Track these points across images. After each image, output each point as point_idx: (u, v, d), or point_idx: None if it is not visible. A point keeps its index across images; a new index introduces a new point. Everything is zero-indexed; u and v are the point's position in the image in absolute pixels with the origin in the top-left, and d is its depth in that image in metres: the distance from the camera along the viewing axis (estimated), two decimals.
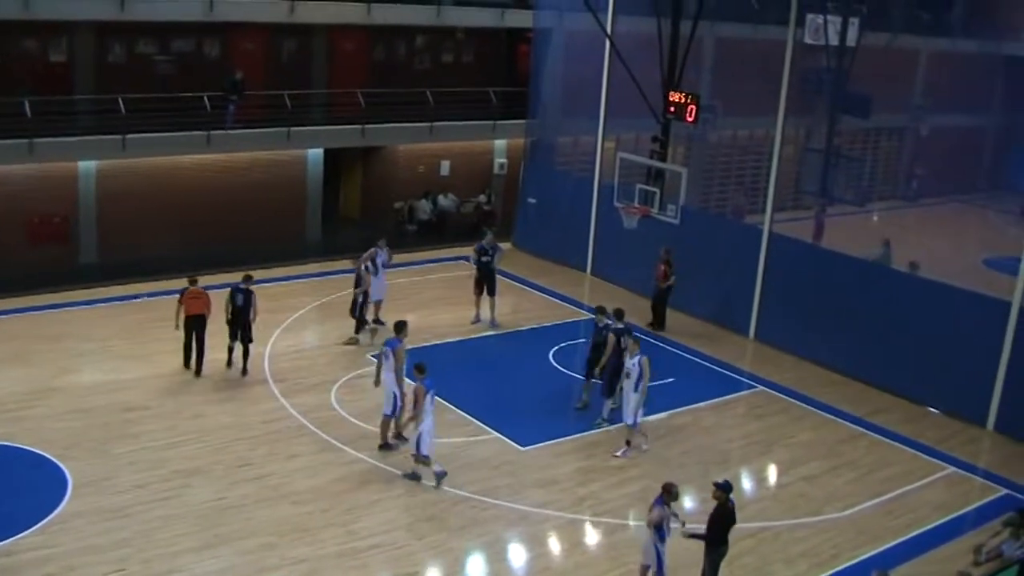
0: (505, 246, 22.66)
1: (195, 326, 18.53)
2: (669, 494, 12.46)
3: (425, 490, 15.11)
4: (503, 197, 31.68)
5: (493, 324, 22.08)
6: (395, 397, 15.90)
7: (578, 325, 23.07)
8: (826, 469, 16.77)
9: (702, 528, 12.67)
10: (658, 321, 22.27)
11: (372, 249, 20.78)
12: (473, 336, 21.67)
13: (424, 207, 30.31)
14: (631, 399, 16.33)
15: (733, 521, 12.66)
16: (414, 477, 15.21)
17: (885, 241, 24.17)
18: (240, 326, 18.48)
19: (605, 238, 26.06)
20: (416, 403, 14.77)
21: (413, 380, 15.30)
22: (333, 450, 16.14)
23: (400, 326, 16.21)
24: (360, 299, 20.30)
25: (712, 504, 12.70)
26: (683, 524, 12.84)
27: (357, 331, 20.51)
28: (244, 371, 18.66)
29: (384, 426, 16.14)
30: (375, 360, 19.48)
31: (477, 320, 22.03)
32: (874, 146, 34.64)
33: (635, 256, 24.56)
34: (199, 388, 18.13)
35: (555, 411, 18.27)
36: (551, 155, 28.72)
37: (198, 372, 18.56)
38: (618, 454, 16.43)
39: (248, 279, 18.65)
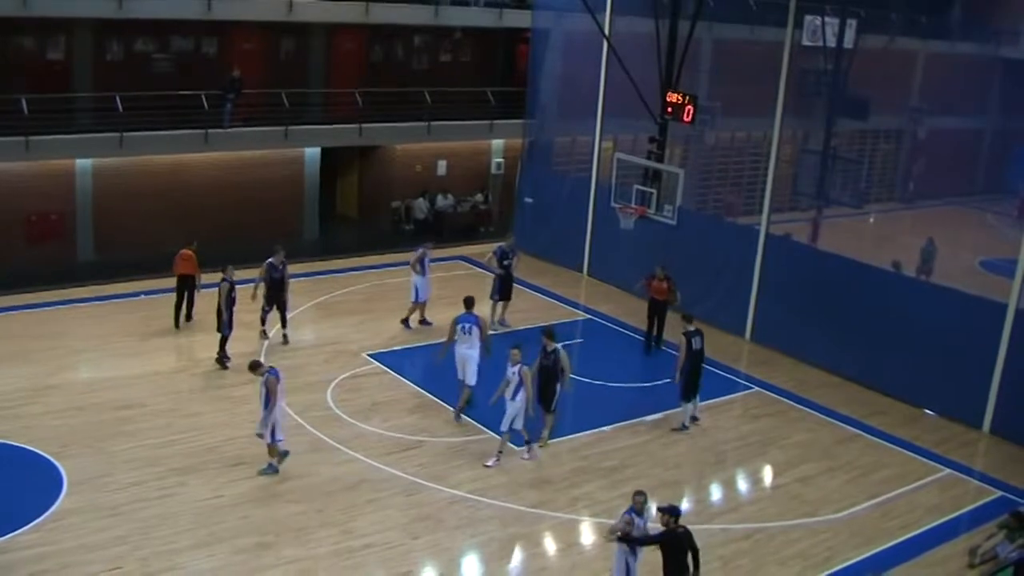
0: (496, 247, 22.58)
1: (185, 286, 20.40)
2: (637, 503, 11.93)
3: (421, 490, 15.13)
4: (500, 197, 31.71)
5: (503, 323, 22.14)
6: (477, 368, 17.04)
7: (575, 325, 23.13)
8: (821, 471, 16.80)
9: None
10: (659, 337, 21.32)
11: (420, 250, 21.47)
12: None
13: (421, 206, 30.33)
14: (509, 408, 15.66)
15: (685, 547, 11.48)
16: (271, 470, 15.13)
17: (929, 239, 24.09)
18: (278, 300, 19.87)
19: (602, 239, 26.09)
20: (271, 394, 14.70)
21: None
22: (328, 449, 16.16)
23: (471, 301, 17.70)
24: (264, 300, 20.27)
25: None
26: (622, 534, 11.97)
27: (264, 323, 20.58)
28: (286, 339, 20.12)
29: (467, 399, 17.12)
30: (374, 362, 19.67)
31: (496, 325, 21.93)
32: (872, 148, 34.68)
33: (632, 257, 24.58)
34: (196, 386, 18.16)
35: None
36: (548, 155, 28.74)
37: (188, 317, 20.65)
38: (489, 464, 15.88)
39: (281, 252, 19.87)
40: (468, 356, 17.16)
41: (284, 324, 20.46)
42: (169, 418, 16.76)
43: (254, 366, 15.10)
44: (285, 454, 15.30)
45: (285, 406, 15.33)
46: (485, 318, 17.88)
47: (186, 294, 20.72)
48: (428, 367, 19.36)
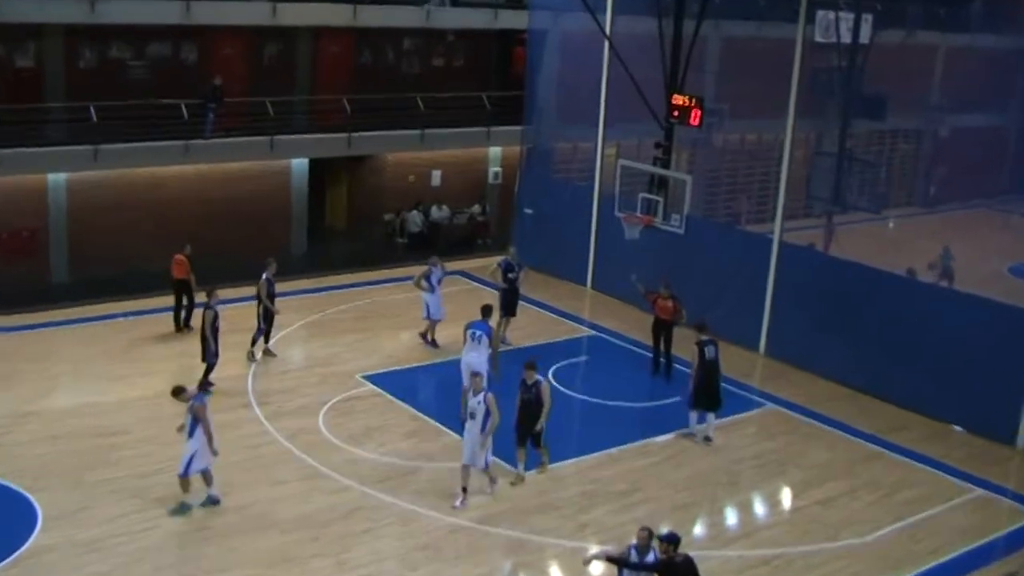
0: (500, 259, 22.65)
1: (179, 288, 21.49)
2: (641, 539, 11.72)
3: (418, 518, 15.09)
4: (498, 207, 31.72)
5: (503, 340, 22.04)
6: (488, 374, 16.82)
7: (580, 343, 23.13)
8: (843, 491, 16.75)
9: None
10: (667, 361, 20.93)
11: (427, 266, 21.47)
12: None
13: (415, 219, 30.39)
14: (477, 440, 15.21)
15: None
16: (212, 501, 15.00)
17: (945, 248, 24.04)
18: (268, 316, 20.30)
19: (606, 250, 26.09)
20: (200, 421, 14.62)
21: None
22: (321, 477, 16.13)
23: (489, 309, 18.28)
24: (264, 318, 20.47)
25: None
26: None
27: (255, 344, 20.71)
28: (272, 353, 20.69)
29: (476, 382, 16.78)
30: (368, 384, 19.71)
31: (508, 342, 21.89)
32: (890, 149, 34.72)
33: (638, 269, 24.51)
34: (181, 411, 18.08)
35: (555, 434, 18.14)
36: (548, 163, 28.75)
37: (187, 324, 21.57)
38: (456, 505, 15.30)
39: (273, 265, 20.34)
40: (475, 364, 17.35)
41: (267, 339, 20.67)
42: (152, 446, 16.75)
43: (177, 391, 14.95)
44: (215, 502, 14.96)
45: (214, 433, 14.92)
46: (495, 328, 18.07)
47: (184, 299, 21.68)
48: (425, 389, 19.38)
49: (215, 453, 14.95)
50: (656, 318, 20.66)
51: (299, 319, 23.18)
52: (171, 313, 22.03)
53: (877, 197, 28.31)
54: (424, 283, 21.43)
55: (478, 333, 17.71)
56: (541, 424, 15.93)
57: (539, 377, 15.86)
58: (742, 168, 31.82)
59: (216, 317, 18.72)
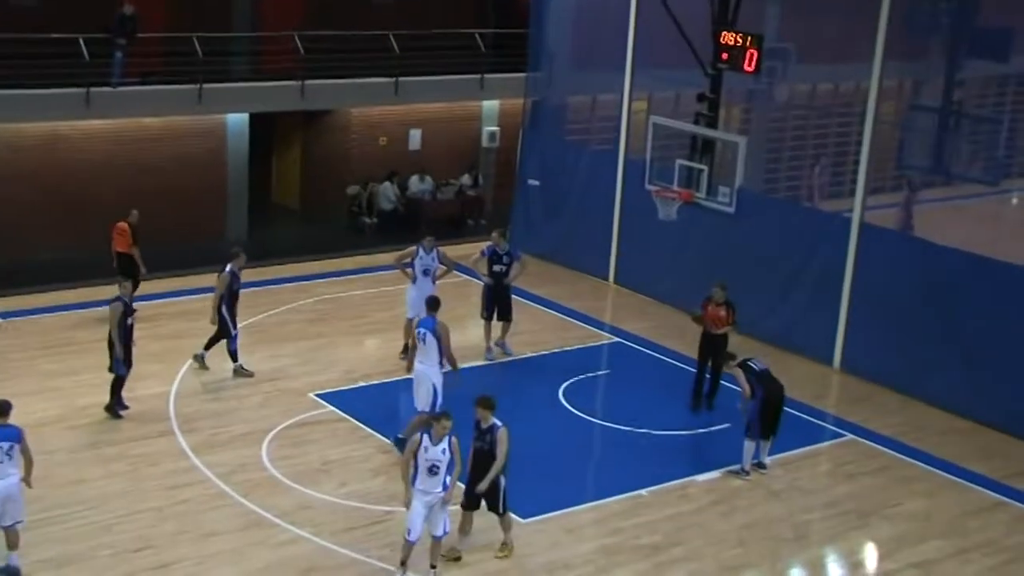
0: (484, 245, 22.47)
1: (121, 265, 22.19)
2: None
3: None
4: (495, 178, 31.71)
5: (504, 349, 22.20)
6: (434, 391, 17.44)
7: (599, 352, 23.09)
8: (949, 553, 16.59)
9: None
10: (713, 387, 20.59)
11: (413, 247, 21.49)
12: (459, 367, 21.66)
13: (388, 193, 30.34)
14: (437, 504, 14.62)
15: None
16: (8, 572, 14.52)
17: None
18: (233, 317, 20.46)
19: (633, 234, 26.09)
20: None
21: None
22: (265, 526, 16.02)
23: (434, 302, 18.25)
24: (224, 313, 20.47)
25: None
26: None
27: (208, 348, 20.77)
28: (203, 362, 20.86)
29: (414, 426, 17.01)
30: (325, 404, 19.59)
31: (491, 353, 22.06)
32: (1014, 101, 34.35)
33: (674, 258, 24.48)
34: (78, 443, 18.03)
35: (567, 469, 18.29)
36: (560, 121, 28.80)
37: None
38: None
39: (237, 257, 20.50)
40: (421, 374, 17.62)
41: (210, 346, 20.66)
42: (41, 488, 16.42)
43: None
44: (13, 572, 14.51)
45: (20, 475, 14.43)
46: (446, 325, 17.89)
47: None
48: (399, 412, 19.25)
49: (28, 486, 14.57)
50: (704, 330, 20.29)
51: (238, 321, 22.90)
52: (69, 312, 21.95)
53: (995, 165, 28.10)
54: (409, 270, 21.33)
55: (423, 332, 17.71)
56: (486, 483, 15.10)
57: (495, 421, 15.19)
58: (812, 128, 31.72)
59: (127, 313, 18.54)
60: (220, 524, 15.95)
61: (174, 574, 14.84)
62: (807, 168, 30.93)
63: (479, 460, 15.11)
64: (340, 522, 16.21)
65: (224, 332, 20.42)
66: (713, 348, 20.14)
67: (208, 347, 20.62)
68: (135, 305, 19.10)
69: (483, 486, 15.04)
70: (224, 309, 20.28)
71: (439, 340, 17.63)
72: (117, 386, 18.81)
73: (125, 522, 15.86)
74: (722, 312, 19.93)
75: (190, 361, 20.72)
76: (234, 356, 20.59)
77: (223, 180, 28.45)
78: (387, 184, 30.30)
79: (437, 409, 17.02)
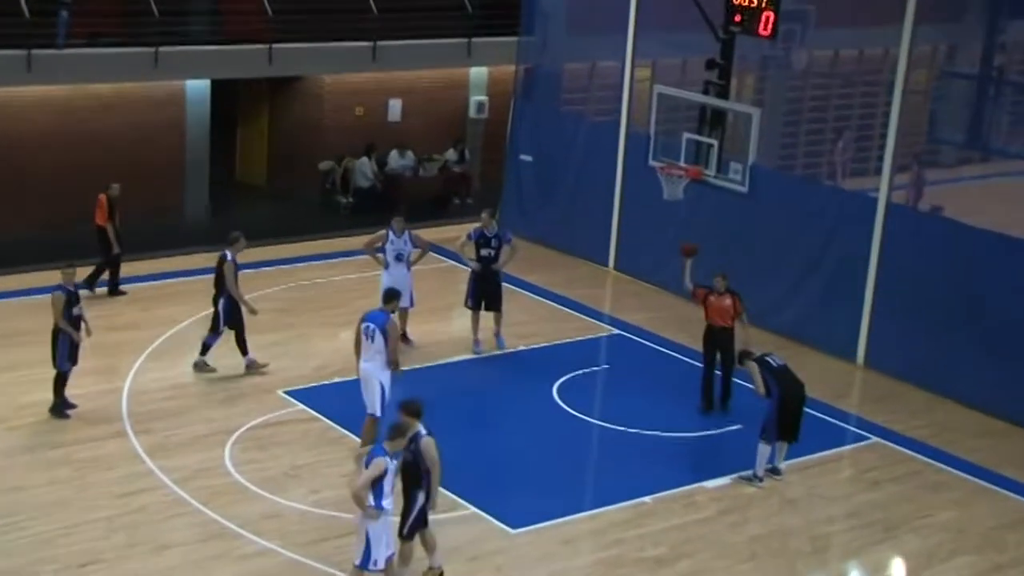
0: (472, 228, 22.42)
1: (100, 240, 23.24)
2: None
3: None
4: (483, 153, 31.74)
5: (499, 342, 22.24)
6: (382, 391, 17.41)
7: (597, 345, 23.16)
8: (984, 569, 16.59)
9: None
10: (725, 390, 20.57)
11: (383, 230, 21.57)
12: (442, 362, 21.72)
13: (365, 169, 30.39)
14: (377, 523, 14.18)
15: None
16: None
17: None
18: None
19: (636, 215, 26.13)
20: None
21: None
22: (227, 537, 15.97)
23: (392, 295, 18.18)
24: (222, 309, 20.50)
25: None
26: None
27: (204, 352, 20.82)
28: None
29: (367, 431, 17.24)
30: (294, 402, 19.60)
31: (479, 346, 22.08)
32: None
33: (680, 242, 24.43)
34: (17, 446, 18.00)
35: (562, 475, 18.30)
36: (555, 90, 28.86)
37: (114, 287, 23.51)
38: None
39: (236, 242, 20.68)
40: (367, 374, 17.59)
41: (243, 346, 20.80)
42: None
43: None
44: None
45: None
46: (395, 322, 18.02)
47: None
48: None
49: None
50: (709, 326, 20.28)
51: (196, 311, 23.00)
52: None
53: None
54: (380, 254, 21.46)
55: (371, 328, 17.55)
56: (432, 502, 14.80)
57: (421, 428, 14.78)
58: (835, 98, 31.68)
59: (72, 303, 18.48)
60: (177, 535, 15.89)
61: None
62: (829, 143, 30.97)
63: (404, 473, 14.64)
64: (310, 533, 16.16)
65: (216, 326, 20.46)
66: (721, 343, 20.12)
67: (243, 348, 20.57)
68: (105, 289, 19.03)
69: (432, 504, 14.72)
70: (223, 303, 20.31)
71: (386, 338, 17.48)
72: (60, 384, 18.79)
73: (71, 534, 15.78)
74: (727, 302, 19.86)
75: (142, 357, 20.58)
76: (205, 349, 20.55)
77: (181, 154, 28.42)
78: (364, 159, 30.26)
79: (380, 411, 17.36)
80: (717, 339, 20.09)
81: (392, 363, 17.62)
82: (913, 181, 26.37)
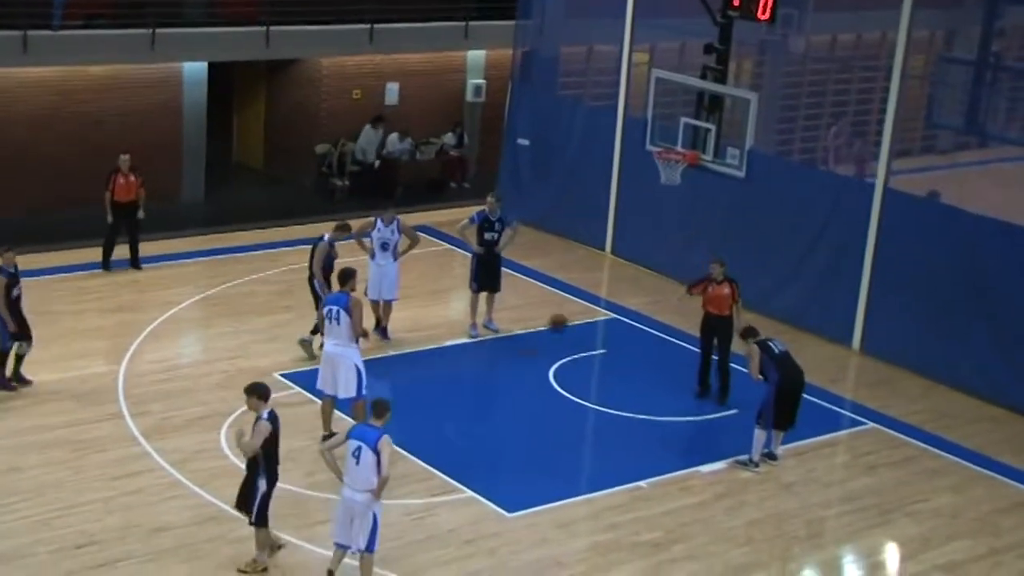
0: (474, 211, 22.39)
1: (126, 215, 23.60)
2: None
3: None
4: (480, 137, 31.74)
5: (489, 325, 22.23)
6: (358, 372, 17.46)
7: (594, 327, 23.17)
8: (979, 554, 16.61)
9: None
10: (724, 381, 20.45)
11: (373, 218, 21.49)
12: (437, 345, 21.74)
13: (371, 138, 30.30)
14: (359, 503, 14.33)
15: None
16: None
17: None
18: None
19: (633, 199, 26.08)
20: None
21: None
22: (223, 519, 15.94)
23: (347, 275, 18.07)
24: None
25: None
26: None
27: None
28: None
29: (358, 417, 17.15)
30: (291, 385, 19.68)
31: (475, 330, 22.09)
32: None
33: (677, 227, 24.46)
34: (11, 427, 17.99)
35: (558, 459, 18.29)
36: (552, 74, 28.76)
37: (135, 263, 23.85)
38: None
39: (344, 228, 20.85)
40: (336, 357, 17.62)
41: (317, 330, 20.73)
42: None
43: None
44: None
45: None
46: (357, 299, 17.92)
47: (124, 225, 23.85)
48: (372, 393, 19.14)
49: None
50: (707, 314, 20.19)
51: (193, 293, 23.13)
52: None
53: None
54: (369, 242, 21.40)
55: (334, 310, 17.65)
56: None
57: (265, 412, 14.55)
58: (832, 83, 31.64)
59: (11, 284, 18.58)
60: (173, 517, 15.89)
61: (120, 573, 14.80)
62: (825, 127, 30.93)
63: (250, 458, 14.62)
64: (306, 515, 16.19)
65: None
66: (719, 332, 20.05)
67: (316, 331, 20.41)
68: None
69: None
70: (317, 283, 20.48)
71: (351, 315, 17.58)
72: (1, 361, 18.84)
73: (66, 515, 15.80)
74: (725, 290, 19.79)
75: (138, 338, 20.53)
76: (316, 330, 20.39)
77: (178, 136, 28.31)
78: (368, 129, 29.97)
79: (364, 391, 17.43)
80: (714, 327, 20.02)
81: (358, 335, 17.69)
82: (857, 158, 26.40)
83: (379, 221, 21.34)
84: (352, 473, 14.09)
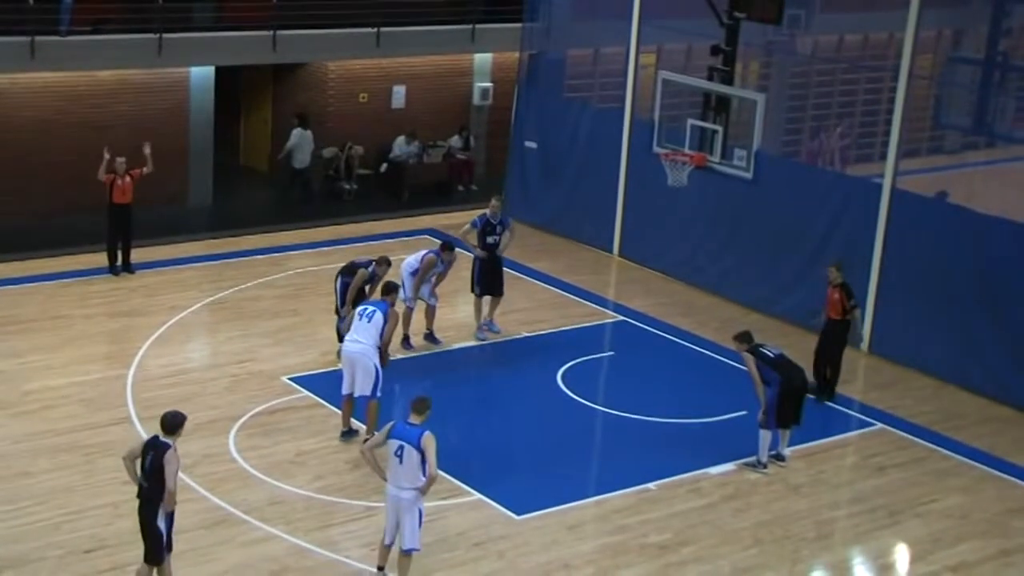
0: (477, 215, 22.41)
1: (123, 216, 23.54)
2: None
3: None
4: (487, 140, 31.75)
5: (491, 327, 22.23)
6: (376, 373, 17.48)
7: (601, 331, 23.14)
8: (989, 555, 16.60)
9: None
10: (831, 380, 20.83)
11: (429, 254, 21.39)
12: (446, 348, 21.77)
13: (401, 148, 30.31)
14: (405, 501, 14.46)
15: None
16: None
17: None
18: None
19: (640, 201, 26.09)
20: None
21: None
22: (232, 523, 16.05)
23: (391, 288, 18.42)
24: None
25: None
26: None
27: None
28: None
29: (372, 417, 17.57)
30: (299, 389, 19.66)
31: (482, 332, 22.14)
32: None
33: (685, 228, 24.46)
34: (22, 431, 18.01)
35: (566, 461, 18.29)
36: (559, 76, 28.82)
37: (127, 266, 23.83)
38: None
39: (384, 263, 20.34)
40: (356, 355, 17.69)
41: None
42: None
43: None
44: None
45: None
46: (397, 313, 18.15)
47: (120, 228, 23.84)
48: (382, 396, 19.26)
49: None
50: (824, 320, 20.58)
51: (201, 297, 23.15)
52: None
53: None
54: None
55: (369, 310, 17.84)
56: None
57: (169, 440, 14.14)
58: (839, 84, 31.63)
59: None
60: (182, 521, 15.63)
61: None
62: (832, 128, 30.95)
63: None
64: (315, 519, 16.23)
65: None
66: (831, 337, 20.44)
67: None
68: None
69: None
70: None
71: (386, 321, 17.75)
72: None
73: (76, 520, 15.85)
74: (836, 295, 20.11)
75: (146, 343, 20.64)
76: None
77: (185, 140, 28.32)
78: (298, 131, 29.28)
79: (379, 393, 17.59)
80: (831, 334, 20.44)
81: (386, 344, 17.82)
82: (817, 148, 26.40)
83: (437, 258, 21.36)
84: (395, 472, 14.20)
